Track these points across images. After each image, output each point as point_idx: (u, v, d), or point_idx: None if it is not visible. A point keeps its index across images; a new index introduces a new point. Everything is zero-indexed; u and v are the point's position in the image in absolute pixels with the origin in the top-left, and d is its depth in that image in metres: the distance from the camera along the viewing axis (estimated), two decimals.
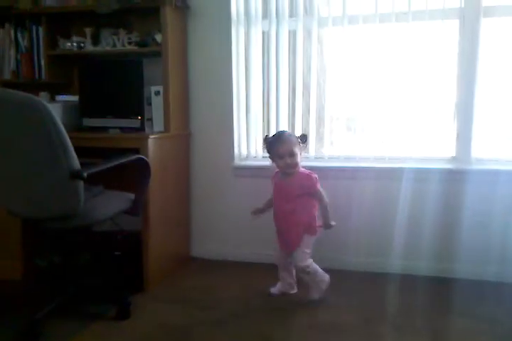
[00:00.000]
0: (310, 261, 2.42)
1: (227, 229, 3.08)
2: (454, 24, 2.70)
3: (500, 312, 2.34)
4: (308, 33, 2.90)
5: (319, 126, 2.97)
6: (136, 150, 2.49)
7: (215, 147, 3.07)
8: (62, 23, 3.05)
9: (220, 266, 3.02)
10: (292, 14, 2.89)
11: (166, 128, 2.79)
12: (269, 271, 2.66)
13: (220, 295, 2.58)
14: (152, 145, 2.59)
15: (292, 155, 2.34)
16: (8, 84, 2.97)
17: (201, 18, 2.98)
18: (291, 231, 2.41)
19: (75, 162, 1.97)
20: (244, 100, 3.02)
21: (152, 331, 2.20)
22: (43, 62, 2.98)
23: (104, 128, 2.82)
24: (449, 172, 2.74)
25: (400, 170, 2.78)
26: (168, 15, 2.72)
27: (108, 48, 2.89)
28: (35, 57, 2.99)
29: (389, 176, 2.81)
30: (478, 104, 2.70)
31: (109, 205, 2.28)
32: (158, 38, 2.77)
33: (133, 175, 2.40)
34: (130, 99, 2.83)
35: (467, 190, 2.71)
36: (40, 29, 2.95)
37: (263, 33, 2.96)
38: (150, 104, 2.82)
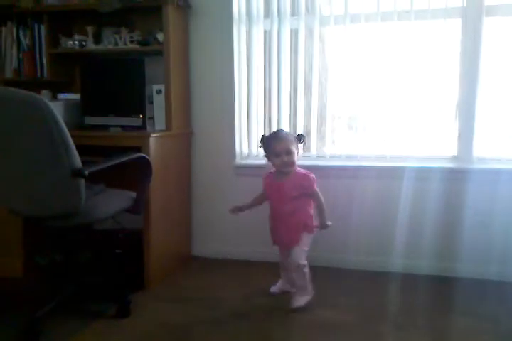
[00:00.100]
0: (306, 262, 2.39)
1: (228, 228, 3.08)
2: (456, 23, 2.69)
3: (501, 312, 2.34)
4: (310, 32, 2.90)
5: (321, 124, 2.97)
6: (138, 149, 2.50)
7: (217, 146, 3.07)
8: (64, 21, 3.05)
9: (221, 264, 3.02)
10: (294, 13, 2.89)
11: (168, 127, 2.79)
12: (270, 269, 2.66)
13: (221, 294, 2.58)
14: (154, 143, 2.59)
15: (289, 153, 2.30)
16: (10, 83, 2.98)
17: (203, 17, 2.98)
18: (291, 231, 2.37)
19: (77, 160, 1.97)
20: (246, 99, 3.02)
21: (152, 330, 2.20)
22: (44, 61, 2.98)
23: (106, 127, 2.82)
24: (451, 171, 2.73)
25: (402, 169, 2.78)
26: (170, 14, 2.72)
27: (110, 47, 2.89)
28: (37, 56, 2.99)
29: (390, 175, 2.81)
30: (479, 102, 2.70)
31: (110, 203, 2.28)
32: (160, 36, 2.77)
33: (134, 174, 2.40)
34: (132, 98, 2.83)
35: (469, 189, 2.70)
36: (42, 27, 2.95)
37: (265, 31, 2.96)
38: (152, 102, 2.82)
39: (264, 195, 2.47)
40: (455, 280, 2.71)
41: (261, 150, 3.01)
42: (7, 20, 2.99)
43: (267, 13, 2.91)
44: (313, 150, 2.95)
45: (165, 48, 2.73)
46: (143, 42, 2.85)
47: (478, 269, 2.71)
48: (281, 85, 2.95)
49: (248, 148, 3.07)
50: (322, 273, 2.79)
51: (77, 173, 1.95)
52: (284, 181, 2.35)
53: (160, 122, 2.81)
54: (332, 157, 2.93)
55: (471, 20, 2.65)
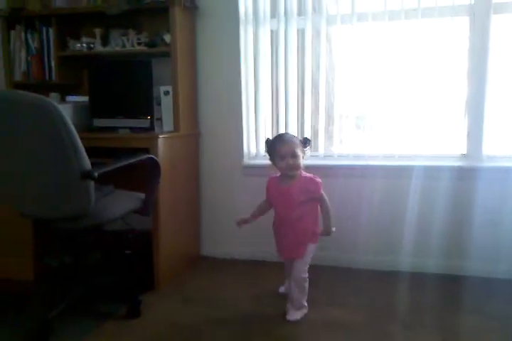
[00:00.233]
0: (307, 275, 2.31)
1: (237, 228, 3.08)
2: (464, 21, 2.68)
3: (510, 310, 2.33)
4: (316, 32, 2.90)
5: (328, 124, 2.97)
6: (146, 150, 2.51)
7: (225, 146, 3.08)
8: (71, 24, 3.08)
9: (230, 265, 3.03)
10: (301, 13, 2.89)
11: (176, 128, 2.80)
12: (279, 269, 2.66)
13: (230, 294, 2.59)
14: (162, 145, 2.60)
15: (294, 156, 2.21)
16: (18, 86, 3.02)
17: (210, 18, 2.99)
18: (297, 239, 2.29)
19: (86, 162, 1.99)
20: (253, 99, 3.02)
21: (162, 330, 2.21)
22: (53, 64, 3.01)
23: (114, 129, 2.84)
24: (460, 170, 2.72)
25: (410, 168, 2.77)
26: (177, 15, 2.73)
27: (117, 49, 2.91)
28: (46, 59, 3.01)
29: (399, 174, 2.80)
30: (488, 100, 2.68)
31: (119, 205, 2.29)
32: (167, 38, 2.79)
33: (143, 175, 2.41)
34: (139, 99, 2.85)
35: (478, 187, 2.69)
36: (50, 30, 2.98)
37: (271, 32, 2.96)
38: (159, 103, 2.84)
39: (268, 202, 2.39)
40: (464, 278, 2.70)
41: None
42: (15, 23, 3.02)
43: (274, 13, 2.91)
44: (321, 150, 2.95)
45: (172, 50, 2.74)
46: (150, 44, 2.86)
47: (487, 268, 2.70)
48: (288, 85, 2.95)
49: (256, 148, 3.07)
50: (331, 273, 2.80)
51: (86, 175, 1.97)
52: (290, 186, 2.26)
53: (168, 123, 2.83)
54: (340, 156, 2.92)
55: (479, 18, 2.63)
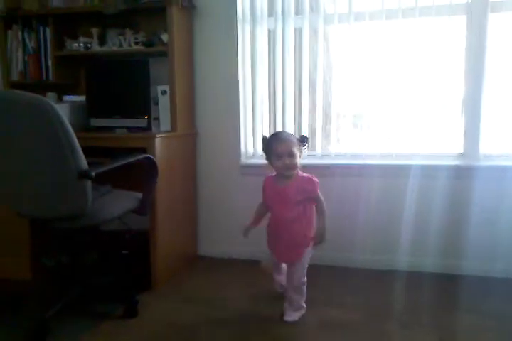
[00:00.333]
0: (306, 278, 2.29)
1: (235, 228, 3.07)
2: (461, 20, 2.68)
3: (507, 309, 2.34)
4: (314, 31, 2.90)
5: (326, 123, 2.97)
6: (144, 150, 2.51)
7: (222, 146, 3.08)
8: (68, 23, 3.07)
9: (227, 264, 3.03)
10: (298, 12, 2.89)
11: (173, 128, 2.80)
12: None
13: (228, 294, 2.59)
14: (159, 144, 2.60)
15: (291, 155, 2.14)
16: (16, 85, 3.01)
17: (207, 17, 2.98)
18: (294, 241, 2.23)
19: (83, 162, 1.99)
20: (251, 98, 3.02)
21: (160, 329, 2.21)
22: (50, 63, 3.00)
23: (112, 128, 2.84)
24: (457, 169, 2.73)
25: (407, 167, 2.77)
26: (175, 15, 2.72)
27: (114, 48, 2.91)
28: (43, 58, 3.01)
29: (396, 173, 2.80)
30: (485, 99, 2.69)
31: (116, 205, 2.29)
32: (165, 37, 2.78)
33: (140, 175, 2.41)
34: (137, 99, 2.84)
35: (475, 186, 2.70)
36: (47, 30, 2.97)
37: (269, 31, 2.96)
38: (157, 103, 2.84)
39: (264, 205, 2.33)
40: (460, 277, 2.71)
41: None
42: (12, 23, 3.02)
43: (271, 12, 2.91)
44: (319, 149, 2.95)
45: (169, 49, 2.74)
46: (147, 43, 2.86)
47: (484, 267, 2.71)
48: (285, 84, 2.95)
49: (253, 147, 3.07)
50: (328, 272, 2.81)
51: (83, 175, 1.97)
52: (286, 185, 2.19)
53: (165, 123, 2.82)
54: (337, 155, 2.92)
55: (476, 17, 2.64)
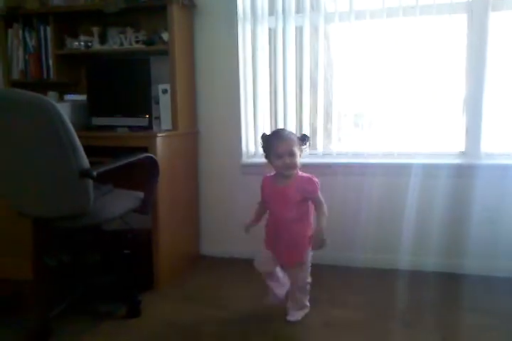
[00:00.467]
0: (310, 278, 2.27)
1: (236, 227, 3.07)
2: (462, 18, 2.68)
3: (510, 308, 2.34)
4: (315, 29, 2.89)
5: (327, 122, 2.96)
6: (145, 149, 2.50)
7: (223, 145, 3.07)
8: (69, 22, 3.07)
9: (229, 263, 3.03)
10: (299, 10, 2.88)
11: (174, 127, 2.80)
12: None
13: (230, 293, 2.59)
14: (160, 143, 2.59)
15: (292, 154, 2.08)
16: (16, 84, 3.01)
17: (208, 16, 2.98)
18: (294, 241, 2.17)
19: (85, 161, 1.98)
20: (252, 97, 3.02)
21: (162, 329, 2.21)
22: (50, 62, 2.99)
23: (113, 127, 2.83)
24: (458, 168, 2.73)
25: (409, 165, 2.77)
26: (175, 13, 2.72)
27: (115, 47, 2.90)
28: (43, 57, 3.00)
29: (397, 172, 2.80)
30: (487, 98, 2.68)
31: (118, 204, 2.29)
32: (165, 36, 2.78)
33: (142, 174, 2.40)
34: (138, 98, 2.84)
35: (476, 185, 2.69)
36: (48, 29, 2.96)
37: (269, 29, 2.95)
38: (158, 102, 2.83)
39: (262, 204, 2.28)
40: (463, 276, 2.70)
41: None
42: (13, 22, 3.01)
43: (272, 11, 2.91)
44: (320, 148, 2.95)
45: (170, 48, 2.74)
46: (148, 42, 2.85)
47: (486, 265, 2.70)
48: (286, 83, 2.94)
49: (254, 146, 3.07)
50: (330, 272, 2.80)
51: (85, 174, 1.96)
52: (286, 185, 2.14)
53: (166, 122, 2.82)
54: (339, 154, 2.92)
55: (477, 15, 2.63)
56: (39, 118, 1.89)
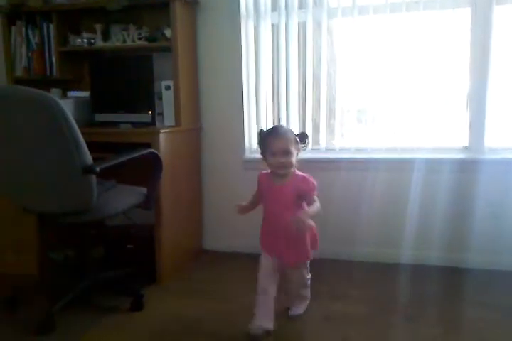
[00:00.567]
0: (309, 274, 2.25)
1: (239, 222, 3.07)
2: (466, 12, 2.66)
3: None
4: (317, 25, 2.89)
5: (330, 117, 2.96)
6: (148, 145, 2.51)
7: (226, 140, 3.08)
8: (72, 19, 3.08)
9: (232, 258, 3.04)
10: (301, 6, 2.88)
11: (177, 123, 2.80)
12: None
13: (232, 288, 2.60)
14: (163, 139, 2.60)
15: (287, 153, 1.99)
16: (19, 81, 3.03)
17: (210, 12, 2.98)
18: (295, 241, 2.07)
19: (88, 157, 2.00)
20: (254, 93, 3.02)
21: (165, 323, 2.22)
22: (54, 59, 3.01)
23: (116, 124, 2.85)
24: (462, 162, 2.72)
25: (412, 160, 2.77)
26: (178, 10, 2.72)
27: (118, 44, 2.91)
28: (46, 54, 3.02)
29: (401, 167, 2.80)
30: (490, 92, 2.67)
31: (121, 199, 2.30)
32: (168, 32, 2.78)
33: (145, 170, 2.42)
34: (141, 94, 2.85)
35: (480, 179, 2.69)
36: (51, 26, 2.98)
37: (272, 25, 2.95)
38: (161, 98, 2.84)
39: (257, 197, 2.19)
40: (465, 271, 2.70)
41: None
42: (16, 19, 3.02)
43: (275, 7, 2.90)
44: (323, 143, 2.95)
45: (173, 44, 2.74)
46: (151, 39, 2.86)
47: (489, 260, 2.70)
48: (289, 79, 2.94)
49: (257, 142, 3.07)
50: (332, 266, 2.81)
51: (88, 170, 1.98)
52: (283, 184, 2.05)
53: (169, 118, 2.83)
54: (342, 150, 2.92)
55: (481, 9, 2.62)
56: (42, 115, 1.91)
